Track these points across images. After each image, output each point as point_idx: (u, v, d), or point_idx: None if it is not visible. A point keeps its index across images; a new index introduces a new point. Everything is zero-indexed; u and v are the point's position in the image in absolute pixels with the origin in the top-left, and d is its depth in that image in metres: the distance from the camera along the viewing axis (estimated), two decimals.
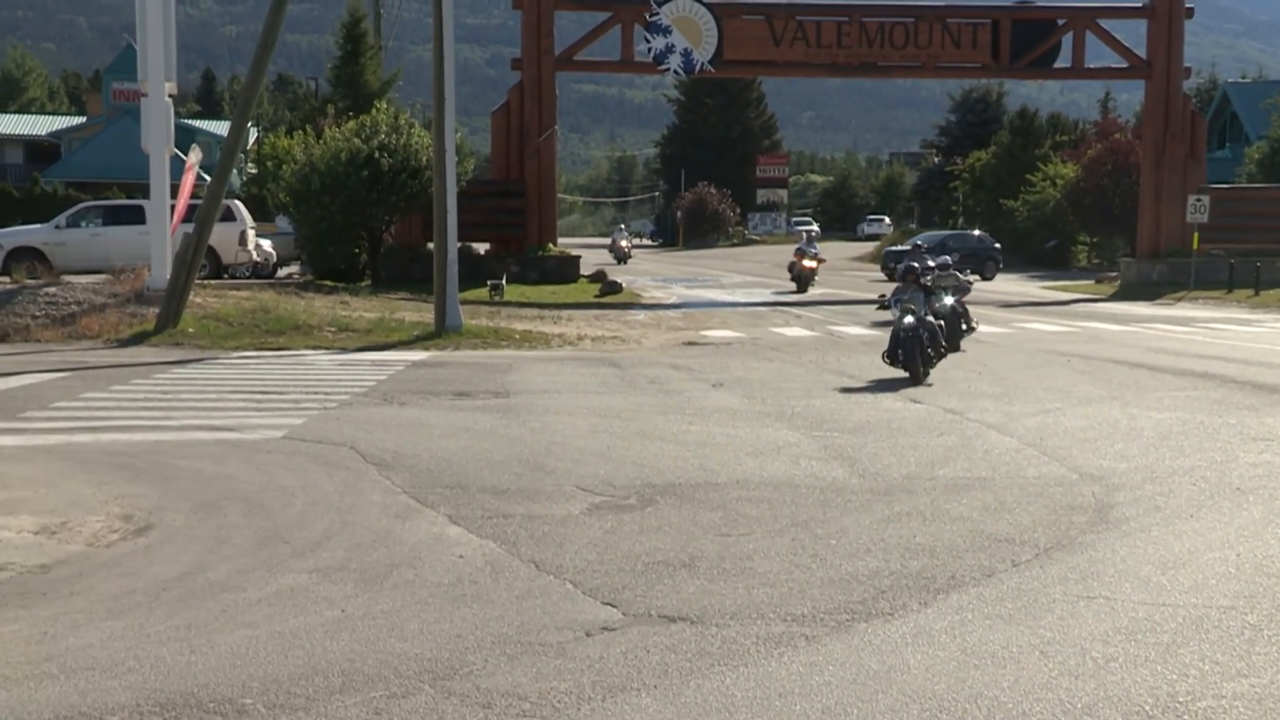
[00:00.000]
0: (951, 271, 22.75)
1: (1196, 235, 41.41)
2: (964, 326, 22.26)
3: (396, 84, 53.93)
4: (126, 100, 64.25)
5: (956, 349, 21.00)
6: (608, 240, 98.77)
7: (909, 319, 17.85)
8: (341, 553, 9.10)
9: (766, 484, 11.41)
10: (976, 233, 57.12)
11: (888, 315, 19.30)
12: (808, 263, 42.00)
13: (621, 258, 63.65)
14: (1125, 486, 11.28)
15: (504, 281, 35.36)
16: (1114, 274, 47.00)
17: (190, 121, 72.10)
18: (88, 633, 7.34)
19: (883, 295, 19.91)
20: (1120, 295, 41.18)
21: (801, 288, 41.76)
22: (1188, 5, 43.15)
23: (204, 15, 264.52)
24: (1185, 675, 6.60)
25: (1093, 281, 48.01)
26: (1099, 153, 55.33)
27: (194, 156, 29.23)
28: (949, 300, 21.19)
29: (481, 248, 41.50)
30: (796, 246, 44.48)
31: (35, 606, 7.88)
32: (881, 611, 7.69)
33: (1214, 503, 10.68)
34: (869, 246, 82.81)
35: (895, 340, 18.04)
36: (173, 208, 26.94)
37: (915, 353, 17.75)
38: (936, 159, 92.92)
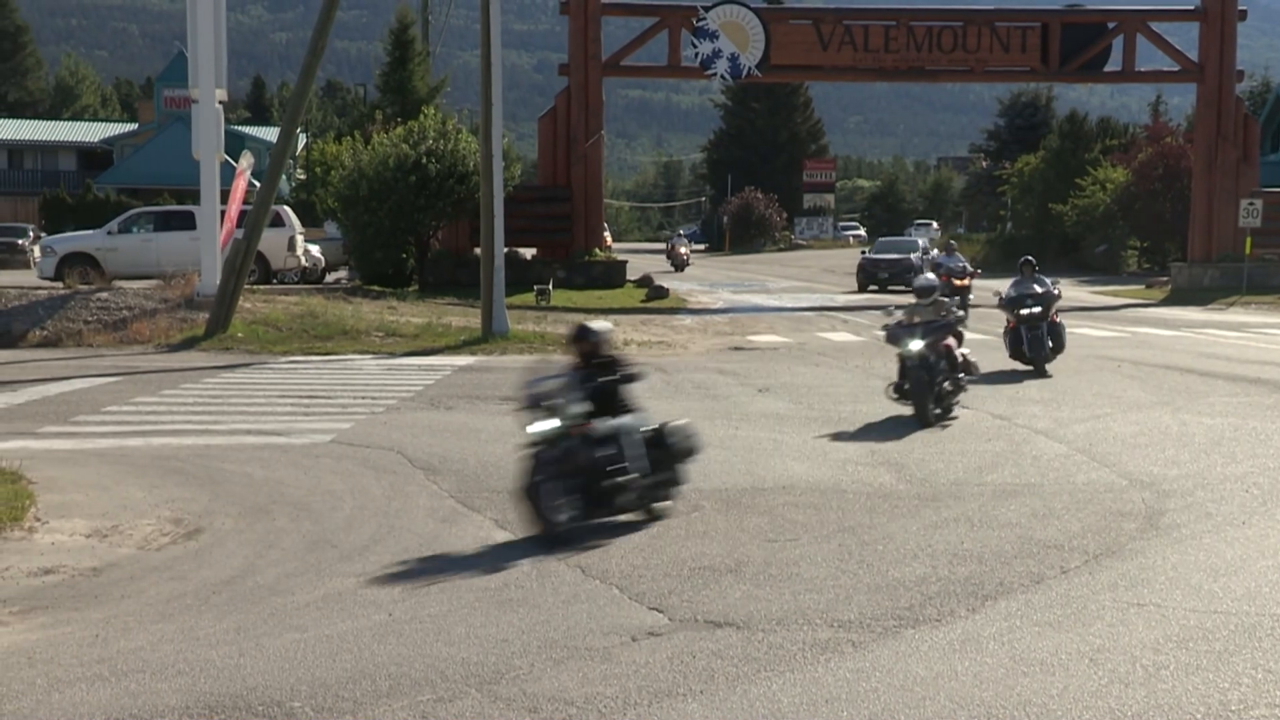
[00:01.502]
0: (937, 298, 16.08)
1: (1249, 240, 40.98)
2: (947, 385, 15.30)
3: (444, 90, 54.19)
4: (178, 107, 64.82)
5: (926, 422, 14.77)
6: (660, 245, 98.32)
7: (542, 427, 9.74)
8: (389, 557, 9.14)
9: (813, 489, 11.38)
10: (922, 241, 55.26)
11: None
12: (959, 280, 31.39)
13: (680, 265, 59.64)
14: (1176, 493, 11.18)
15: (550, 286, 35.38)
16: (1164, 279, 46.53)
17: (240, 128, 72.59)
18: (138, 635, 7.41)
19: (535, 378, 10.11)
20: (1171, 300, 40.81)
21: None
22: (1240, 8, 42.70)
23: (254, 23, 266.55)
24: (1237, 684, 6.53)
25: (1143, 286, 47.55)
26: (1149, 157, 54.82)
27: (245, 162, 29.46)
28: (915, 346, 15.11)
29: (528, 253, 41.55)
30: (931, 259, 34.51)
31: (87, 609, 7.96)
32: (929, 618, 7.65)
33: (1266, 509, 10.57)
34: None
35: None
36: (223, 214, 27.14)
37: (540, 494, 9.58)
38: (985, 163, 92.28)
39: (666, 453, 10.38)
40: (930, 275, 16.98)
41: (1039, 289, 20.36)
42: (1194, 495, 11.09)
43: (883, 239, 57.85)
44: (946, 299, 16.41)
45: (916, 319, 15.75)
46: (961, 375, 15.67)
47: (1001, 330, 21.33)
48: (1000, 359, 20.30)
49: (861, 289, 44.35)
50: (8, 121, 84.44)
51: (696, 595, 8.13)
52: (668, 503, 10.47)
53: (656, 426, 10.49)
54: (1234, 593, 8.15)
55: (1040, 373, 19.56)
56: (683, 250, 61.60)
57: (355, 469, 12.25)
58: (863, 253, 49.81)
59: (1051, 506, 10.63)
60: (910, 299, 16.41)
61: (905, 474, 12.11)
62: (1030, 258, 21.79)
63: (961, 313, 16.42)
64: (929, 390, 14.95)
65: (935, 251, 51.36)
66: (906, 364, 15.20)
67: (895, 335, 15.64)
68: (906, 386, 15.29)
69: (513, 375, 19.91)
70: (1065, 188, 60.94)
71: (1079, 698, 6.33)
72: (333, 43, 32.82)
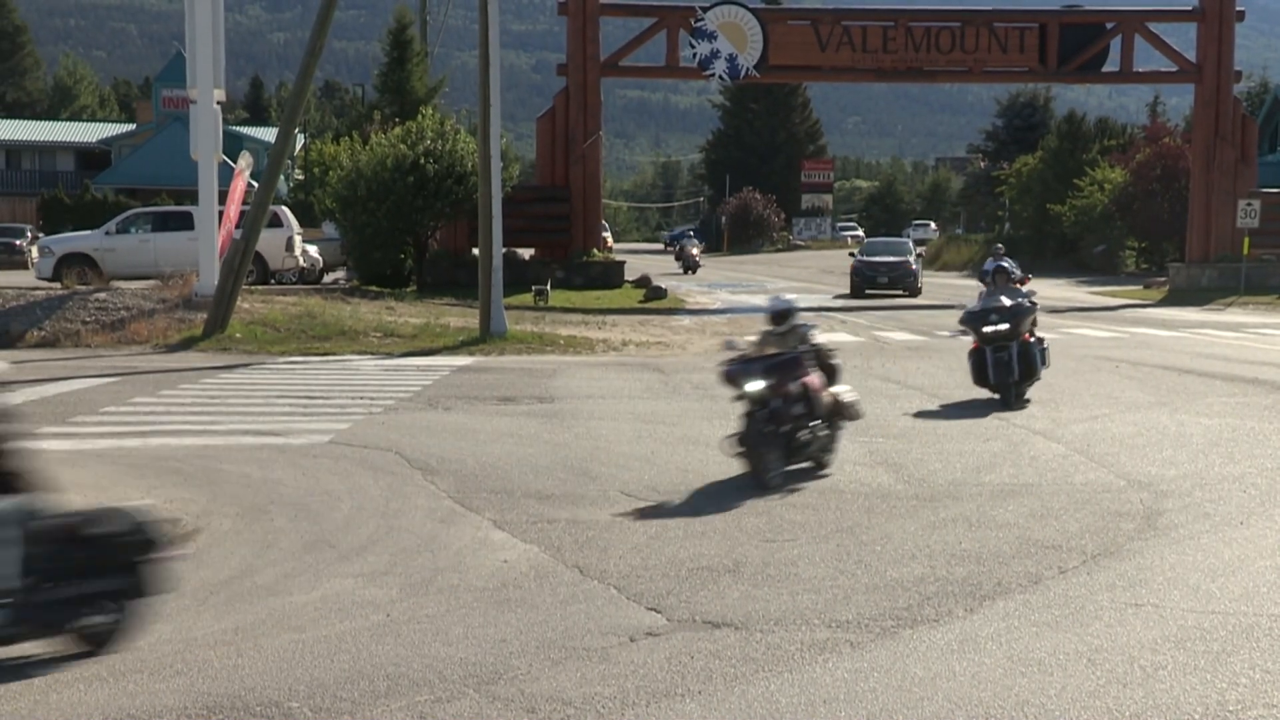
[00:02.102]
0: (794, 325, 12.37)
1: (1247, 240, 41.00)
2: (803, 435, 11.81)
3: (443, 90, 54.18)
4: (176, 107, 64.77)
5: (763, 485, 11.33)
6: (655, 246, 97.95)
7: None
8: (387, 557, 9.14)
9: (811, 489, 11.38)
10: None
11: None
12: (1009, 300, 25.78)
13: (690, 265, 56.68)
14: (1174, 493, 11.18)
15: (548, 287, 35.40)
16: (1163, 279, 46.58)
17: (238, 128, 72.59)
18: (136, 636, 7.40)
19: None
20: (1169, 300, 40.84)
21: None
22: (1238, 8, 42.75)
23: (252, 23, 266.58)
24: (1235, 684, 6.53)
25: (1141, 287, 47.61)
26: (1147, 157, 54.88)
27: (243, 163, 29.45)
28: (753, 386, 11.66)
29: (526, 253, 41.59)
30: (982, 268, 25.71)
31: None
32: (927, 618, 7.65)
33: (1265, 510, 10.57)
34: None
35: None
36: (222, 214, 27.12)
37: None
38: (983, 164, 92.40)
39: (97, 553, 7.04)
40: (788, 296, 13.08)
41: (1007, 301, 17.10)
42: (1192, 495, 11.10)
43: (872, 240, 53.93)
44: (804, 325, 12.53)
45: (770, 350, 12.20)
46: (820, 421, 11.99)
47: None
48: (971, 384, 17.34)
49: (857, 294, 42.22)
50: (6, 122, 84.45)
51: (694, 595, 8.13)
52: (103, 621, 7.06)
53: (72, 514, 7.14)
54: (1231, 593, 8.16)
55: (1007, 403, 16.38)
56: (694, 251, 58.55)
57: (353, 469, 12.24)
58: (852, 255, 46.29)
59: (1049, 507, 10.63)
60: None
61: (903, 474, 12.11)
62: (1004, 262, 18.54)
63: (821, 339, 12.96)
64: (769, 443, 11.44)
65: (921, 251, 50.66)
66: (746, 409, 11.77)
67: (732, 374, 11.94)
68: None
69: (511, 375, 19.93)
70: (1063, 188, 60.99)
71: (1077, 698, 6.33)
72: (331, 43, 32.82)
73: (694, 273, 55.49)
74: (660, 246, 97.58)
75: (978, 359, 16.84)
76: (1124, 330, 29.26)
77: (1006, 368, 16.47)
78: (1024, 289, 22.22)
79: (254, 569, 8.91)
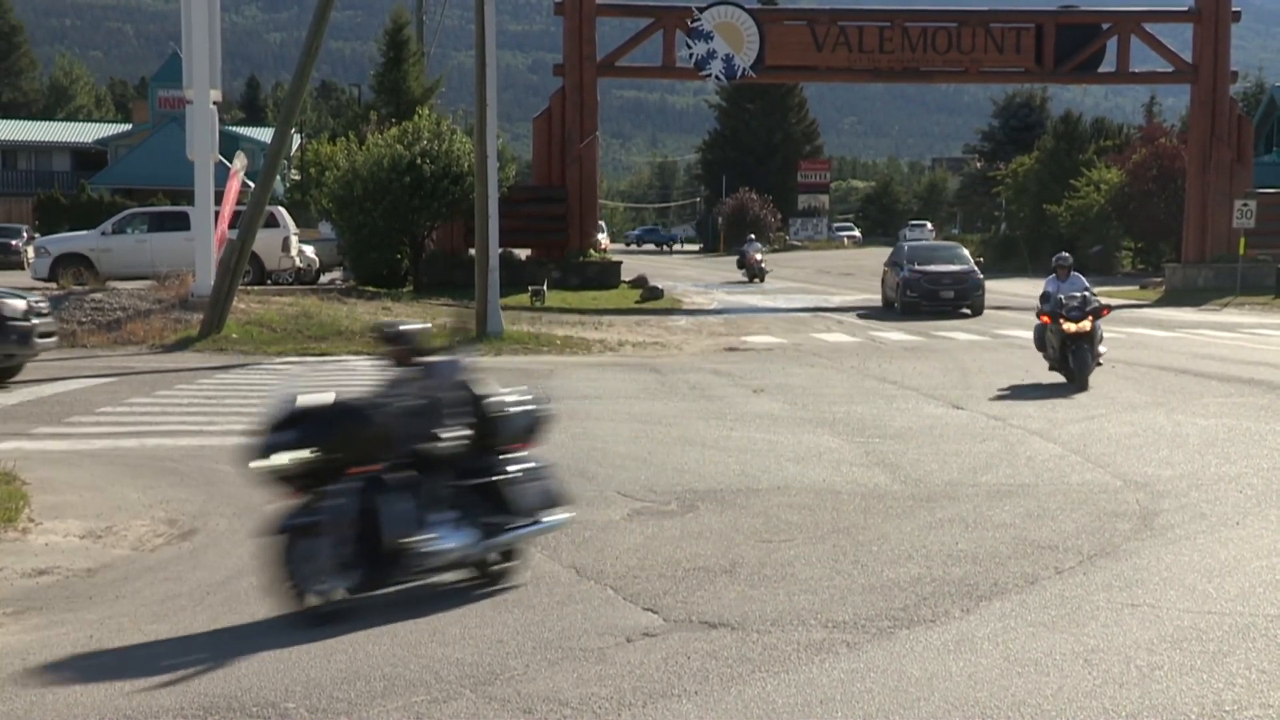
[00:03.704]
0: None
1: (1243, 240, 41.00)
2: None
3: (439, 90, 54.13)
4: (172, 108, 64.77)
5: None
6: (658, 246, 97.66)
7: None
8: None
9: (808, 490, 11.38)
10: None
11: None
12: (1073, 325, 19.08)
13: (757, 273, 50.97)
14: (1170, 494, 11.18)
15: (545, 287, 35.40)
16: (1159, 279, 46.60)
17: (234, 128, 72.54)
18: (132, 636, 7.40)
19: None
20: (1165, 301, 40.84)
21: (1077, 384, 18.61)
22: (1235, 9, 42.78)
23: (248, 23, 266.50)
24: (1231, 684, 6.54)
25: (1137, 287, 47.61)
26: (1144, 158, 54.92)
27: (239, 163, 29.44)
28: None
29: (523, 253, 41.58)
30: (1043, 290, 20.91)
31: (81, 610, 7.95)
32: (923, 618, 7.65)
33: (1260, 510, 10.58)
34: None
35: None
36: (218, 214, 27.11)
37: None
38: (979, 164, 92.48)
39: None
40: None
41: (408, 403, 8.30)
42: (1188, 496, 11.10)
43: (914, 243, 41.88)
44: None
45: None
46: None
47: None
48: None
49: (905, 311, 33.54)
50: (2, 122, 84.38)
51: (691, 596, 8.13)
52: None
53: None
54: (1228, 593, 8.16)
55: (488, 574, 8.38)
56: (758, 256, 52.38)
57: None
58: (899, 266, 35.06)
59: (1046, 507, 10.64)
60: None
61: (900, 474, 12.11)
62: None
63: None
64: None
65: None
66: None
67: None
68: None
69: (507, 376, 19.89)
70: (1060, 188, 61.03)
71: (1073, 698, 6.33)
72: (327, 43, 32.81)
73: (761, 280, 50.14)
74: (626, 247, 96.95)
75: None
76: (1120, 330, 29.24)
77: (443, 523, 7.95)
78: (1089, 327, 18.40)
79: (250, 569, 8.90)
